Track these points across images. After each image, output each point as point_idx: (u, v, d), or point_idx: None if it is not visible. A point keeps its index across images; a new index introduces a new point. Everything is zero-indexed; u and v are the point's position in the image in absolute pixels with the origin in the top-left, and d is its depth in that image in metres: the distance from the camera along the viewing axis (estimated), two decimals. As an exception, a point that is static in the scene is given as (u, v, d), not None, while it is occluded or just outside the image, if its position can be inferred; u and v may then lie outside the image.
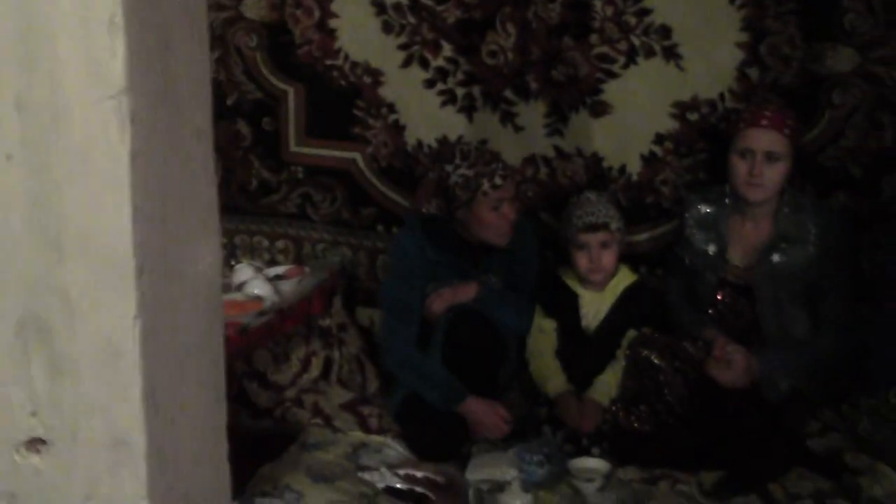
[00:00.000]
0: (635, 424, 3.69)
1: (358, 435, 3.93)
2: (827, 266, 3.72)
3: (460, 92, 4.26)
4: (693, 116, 4.04)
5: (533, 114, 4.21)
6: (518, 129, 4.24)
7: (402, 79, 4.33)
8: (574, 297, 3.93)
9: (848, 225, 3.83)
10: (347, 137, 4.47)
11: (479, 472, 3.52)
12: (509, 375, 4.08)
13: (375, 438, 3.90)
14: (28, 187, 1.24)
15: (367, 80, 4.38)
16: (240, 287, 3.98)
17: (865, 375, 3.65)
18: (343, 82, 4.42)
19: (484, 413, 3.74)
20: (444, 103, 4.30)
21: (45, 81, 1.22)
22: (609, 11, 4.02)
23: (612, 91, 4.09)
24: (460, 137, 4.24)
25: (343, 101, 4.43)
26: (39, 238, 1.24)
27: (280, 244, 4.72)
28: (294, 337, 4.25)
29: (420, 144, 4.39)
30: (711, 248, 3.85)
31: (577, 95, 4.14)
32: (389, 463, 3.65)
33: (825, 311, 3.76)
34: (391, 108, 4.38)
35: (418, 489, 3.41)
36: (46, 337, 1.27)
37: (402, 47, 4.32)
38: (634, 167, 4.15)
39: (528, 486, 3.34)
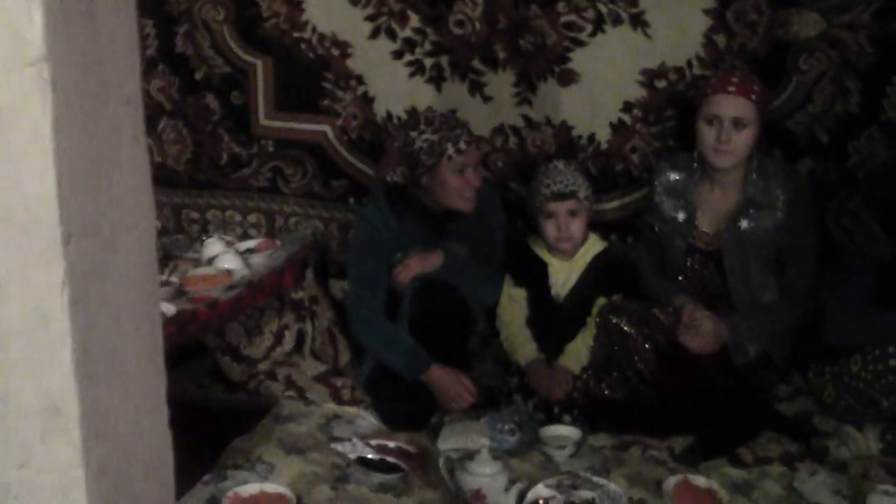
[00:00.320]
0: (606, 392, 3.68)
1: (331, 407, 3.92)
2: (794, 232, 3.71)
3: (428, 62, 4.25)
4: (661, 84, 4.04)
5: (501, 83, 4.20)
6: (487, 99, 4.24)
7: (369, 50, 4.32)
8: (543, 266, 3.89)
9: (815, 190, 3.84)
10: (317, 110, 4.46)
11: (450, 441, 3.52)
12: (478, 345, 4.09)
13: (348, 410, 3.89)
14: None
15: (335, 52, 4.37)
16: (210, 261, 3.97)
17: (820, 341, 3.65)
18: (311, 55, 4.40)
19: (448, 382, 3.70)
20: (412, 74, 4.29)
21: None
22: (576, -21, 4.02)
23: (579, 59, 4.08)
24: (429, 108, 4.15)
25: (311, 73, 4.42)
26: (-36, 206, 1.24)
27: (252, 218, 4.71)
28: (267, 310, 4.22)
29: (389, 116, 4.37)
30: (680, 215, 3.85)
31: (545, 64, 4.13)
32: (362, 434, 3.63)
33: (792, 276, 3.77)
34: (360, 80, 4.37)
35: (390, 459, 3.40)
36: (-25, 304, 1.27)
37: (370, 18, 4.30)
38: (603, 135, 4.15)
39: (499, 454, 3.34)
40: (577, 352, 3.77)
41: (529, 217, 3.98)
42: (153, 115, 4.68)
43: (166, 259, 4.13)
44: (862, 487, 3.19)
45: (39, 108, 1.16)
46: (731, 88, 3.59)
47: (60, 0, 1.13)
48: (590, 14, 4.03)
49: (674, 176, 3.86)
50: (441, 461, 3.30)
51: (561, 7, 4.05)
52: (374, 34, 4.29)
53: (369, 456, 3.41)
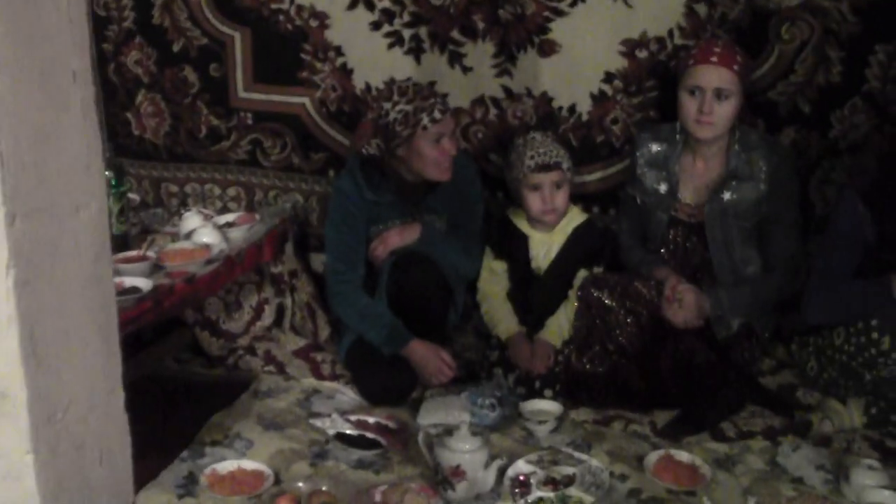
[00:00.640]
0: (587, 366, 3.68)
1: (310, 382, 3.91)
2: (777, 203, 3.68)
3: (407, 33, 4.20)
4: (642, 54, 4.00)
5: (481, 54, 4.14)
6: (466, 70, 4.19)
7: (348, 21, 4.26)
8: (524, 238, 3.87)
9: (798, 161, 3.81)
10: (295, 82, 4.41)
11: (431, 416, 3.53)
12: (458, 318, 4.07)
13: (328, 385, 3.88)
14: None
15: (314, 23, 4.31)
16: (188, 235, 3.91)
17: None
18: (289, 26, 4.35)
19: (427, 357, 3.69)
20: (391, 45, 4.23)
21: None
22: (555, -53, 3.96)
23: (559, 29, 4.03)
24: (408, 79, 4.14)
25: (290, 45, 4.37)
26: None
27: (231, 191, 4.68)
28: (246, 285, 4.20)
29: (368, 87, 4.32)
30: (662, 187, 3.81)
31: (524, 35, 4.08)
32: (342, 409, 3.62)
33: (774, 248, 3.74)
34: (338, 51, 4.32)
35: (369, 435, 3.38)
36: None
37: (348, -12, 4.26)
38: (584, 106, 4.11)
39: (480, 429, 3.31)
40: (559, 325, 3.75)
41: (509, 189, 3.94)
42: (131, 89, 4.65)
43: (144, 233, 4.09)
44: (845, 461, 3.18)
45: (-23, 84, 1.12)
46: (714, 59, 3.55)
47: (3, -26, 1.09)
48: (570, -17, 3.99)
49: (656, 147, 3.82)
50: (420, 437, 3.26)
51: (540, -24, 4.00)
52: (353, 5, 4.23)
53: (348, 432, 3.40)
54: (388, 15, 4.21)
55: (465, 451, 3.07)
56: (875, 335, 3.31)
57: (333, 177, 4.39)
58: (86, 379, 1.29)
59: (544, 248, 3.88)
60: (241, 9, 4.39)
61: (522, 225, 3.91)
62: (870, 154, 3.49)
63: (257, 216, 4.21)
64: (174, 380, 3.97)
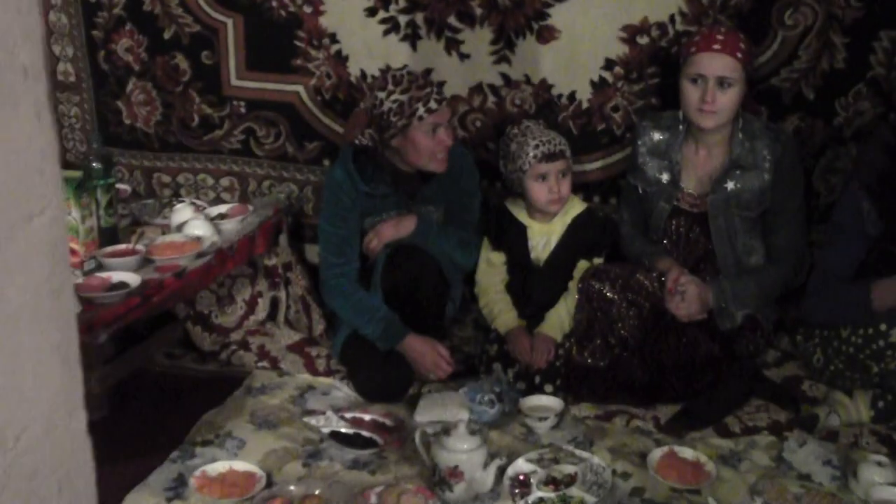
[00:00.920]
0: (588, 360, 3.61)
1: (305, 377, 3.84)
2: (781, 192, 3.62)
3: (403, 20, 4.12)
4: (643, 40, 3.93)
5: (479, 41, 4.07)
6: (464, 56, 4.11)
7: (342, 7, 4.19)
8: (522, 229, 3.81)
9: (802, 149, 3.76)
10: (289, 70, 4.33)
11: (428, 413, 3.46)
12: (456, 311, 4.01)
13: (322, 381, 3.81)
14: None
15: (307, 9, 4.22)
16: (179, 227, 3.86)
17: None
18: (283, 12, 4.26)
19: (424, 352, 3.62)
20: (386, 32, 4.15)
21: None
22: (554, -69, 3.89)
23: (559, 15, 3.96)
24: (404, 67, 4.05)
25: (283, 32, 4.28)
26: None
27: (225, 181, 4.60)
28: (239, 278, 4.15)
29: (364, 75, 4.24)
30: (665, 176, 3.74)
31: (523, 21, 4.00)
32: (337, 406, 3.56)
33: (779, 238, 3.69)
34: (333, 38, 4.24)
35: (365, 433, 3.32)
36: None
37: (342, -26, 4.17)
38: (584, 94, 4.05)
39: (479, 427, 3.25)
40: (559, 318, 3.70)
41: (506, 181, 3.87)
42: (121, 76, 4.57)
43: (134, 225, 4.04)
44: (853, 457, 3.14)
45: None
46: (716, 46, 3.48)
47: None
48: (569, -33, 3.91)
49: (657, 136, 3.75)
50: (417, 436, 3.19)
51: (539, -40, 3.93)
52: None
53: (343, 430, 3.34)
54: (384, 1, 4.11)
55: (463, 451, 3.00)
56: (883, 327, 3.26)
57: (328, 166, 4.31)
58: (42, 402, 1.20)
59: (543, 238, 3.82)
60: None
61: (521, 215, 3.84)
62: (875, 145, 3.39)
63: (250, 207, 4.16)
64: (165, 376, 3.90)
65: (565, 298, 3.72)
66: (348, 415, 3.45)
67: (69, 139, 4.72)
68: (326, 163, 4.38)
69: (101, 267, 3.52)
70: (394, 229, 3.73)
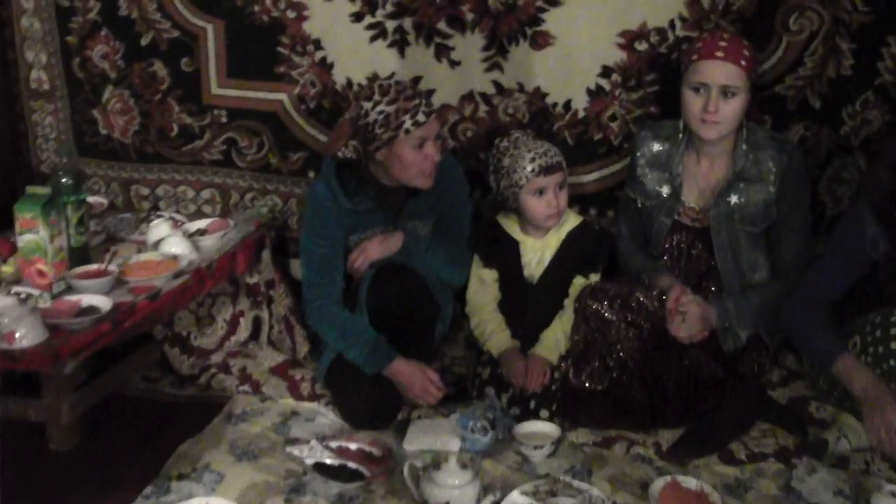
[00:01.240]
0: (586, 383, 3.47)
1: (288, 402, 3.69)
2: (787, 206, 3.49)
3: (390, 25, 4.02)
4: (642, 46, 3.82)
5: (470, 47, 3.97)
6: (454, 63, 4.01)
7: (327, 12, 4.09)
8: (515, 245, 3.69)
9: (807, 159, 3.63)
10: (272, 77, 4.23)
11: (418, 441, 3.34)
12: (447, 330, 3.89)
13: (307, 406, 3.66)
14: None
15: (291, 14, 4.13)
16: (156, 245, 3.72)
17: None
18: (265, 17, 4.16)
19: (412, 377, 3.49)
20: (373, 38, 4.05)
21: None
22: (549, -68, 3.77)
23: (554, 20, 3.86)
24: (392, 74, 3.98)
25: (266, 37, 4.19)
26: None
27: (206, 194, 4.47)
28: (219, 297, 3.99)
29: (350, 83, 4.13)
30: (665, 189, 3.61)
31: (516, 26, 3.89)
32: (321, 434, 3.42)
33: (784, 253, 3.56)
34: (317, 44, 4.14)
35: (351, 464, 3.16)
36: None
37: (327, -23, 4.06)
38: (580, 102, 3.95)
39: (471, 458, 3.12)
40: (555, 339, 3.58)
41: (497, 197, 3.73)
42: (97, 84, 4.45)
43: (109, 242, 3.89)
44: (865, 485, 3.02)
45: None
46: (719, 54, 3.33)
47: None
48: (564, -30, 3.79)
49: (657, 146, 3.62)
50: (406, 469, 3.05)
51: (533, -38, 3.81)
52: None
53: (328, 461, 3.18)
54: (370, 5, 4.01)
55: (454, 487, 2.89)
56: (894, 345, 3.10)
57: (313, 178, 4.19)
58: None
59: (537, 254, 3.69)
60: None
61: (513, 230, 3.72)
62: (883, 163, 3.23)
63: (231, 222, 4.01)
64: (141, 401, 3.75)
65: (561, 317, 3.60)
66: (333, 444, 3.29)
67: (43, 150, 4.59)
68: (311, 174, 4.26)
69: (70, 289, 3.38)
70: (379, 247, 3.60)
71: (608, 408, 3.45)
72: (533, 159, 3.53)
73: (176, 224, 3.92)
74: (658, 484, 3.04)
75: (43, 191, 3.43)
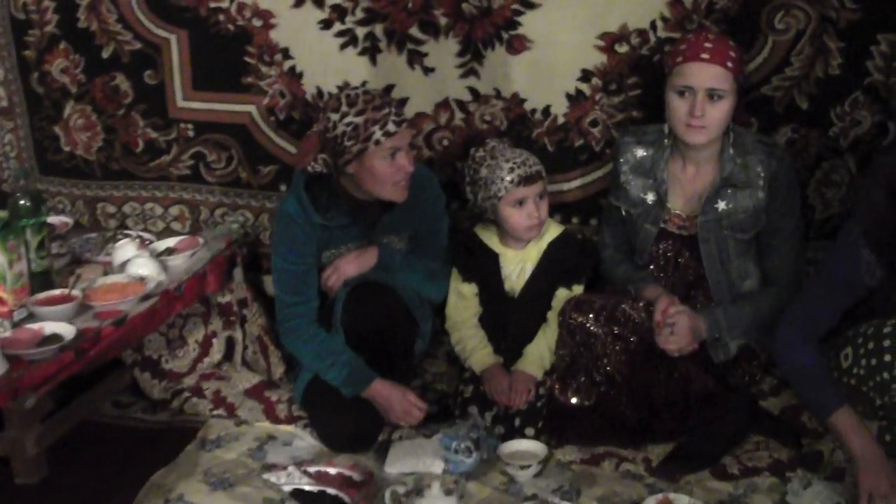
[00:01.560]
0: (573, 399, 3.40)
1: (264, 426, 3.60)
2: (776, 212, 3.41)
3: (361, 32, 3.95)
4: (622, 48, 3.74)
5: (444, 53, 3.90)
6: (428, 70, 3.94)
7: (295, 20, 4.01)
8: (494, 257, 3.61)
9: (796, 162, 3.57)
10: (240, 88, 4.17)
11: (400, 464, 3.27)
12: (426, 347, 3.81)
13: (283, 429, 3.57)
14: None
15: (257, 23, 4.06)
16: (122, 266, 3.63)
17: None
18: (230, 27, 4.10)
19: (392, 399, 3.41)
20: (343, 45, 3.98)
21: None
22: (523, -68, 3.72)
23: (531, 23, 3.79)
24: (364, 83, 3.91)
25: (232, 47, 4.12)
26: None
27: (174, 210, 4.42)
28: (191, 317, 3.90)
29: (321, 92, 4.06)
30: (650, 196, 3.53)
31: (492, 30, 3.82)
32: (299, 458, 3.35)
33: (774, 261, 3.48)
34: (285, 53, 4.07)
35: (330, 491, 3.10)
36: None
37: (294, -16, 4.00)
38: (560, 108, 3.88)
39: (455, 481, 3.12)
40: (539, 354, 3.52)
41: (474, 210, 3.66)
42: (58, 100, 4.39)
43: (73, 265, 3.79)
44: None
45: None
46: (705, 55, 3.25)
47: None
48: (541, -29, 3.75)
49: (641, 152, 3.53)
50: (388, 496, 3.01)
51: (508, -36, 3.76)
52: (299, 2, 3.98)
53: (307, 488, 3.14)
54: (340, 12, 3.94)
55: None
56: (888, 358, 3.00)
57: (285, 191, 4.07)
58: None
59: (518, 266, 3.61)
60: (177, 8, 4.15)
61: (492, 242, 3.64)
62: (876, 182, 3.11)
63: (201, 240, 3.93)
64: (112, 429, 3.64)
65: (544, 331, 3.54)
66: (312, 469, 3.23)
67: (3, 169, 4.53)
68: (283, 188, 4.19)
69: (32, 316, 3.28)
70: (354, 264, 3.52)
71: (596, 424, 3.38)
72: (511, 169, 3.45)
73: (143, 243, 3.84)
74: (649, 502, 3.01)
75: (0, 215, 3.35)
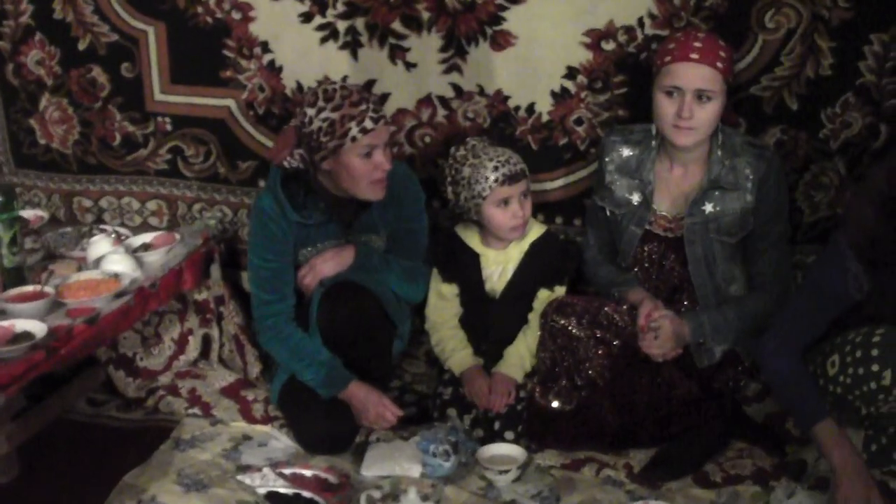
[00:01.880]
0: (554, 403, 3.37)
1: (240, 426, 3.56)
2: (764, 216, 3.37)
3: (342, 26, 3.87)
4: (609, 46, 3.68)
5: (426, 48, 3.84)
6: (410, 66, 3.88)
7: (274, 13, 3.95)
8: (475, 258, 3.58)
9: (785, 164, 3.52)
10: (218, 82, 4.11)
11: (377, 467, 3.24)
12: (405, 347, 3.77)
13: (259, 429, 3.53)
14: None
15: (236, 15, 3.99)
16: (97, 263, 3.58)
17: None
18: (209, 19, 4.03)
19: (367, 402, 3.36)
20: (324, 39, 3.91)
21: None
22: (509, -75, 3.68)
23: (515, 19, 3.72)
24: (345, 78, 3.83)
25: (210, 40, 4.05)
26: None
27: (152, 205, 4.37)
28: (167, 314, 3.86)
29: (300, 87, 4.00)
30: (635, 197, 3.49)
31: (475, 25, 3.75)
32: (275, 460, 3.32)
33: (761, 265, 3.44)
34: (265, 46, 4.01)
35: (305, 494, 3.05)
36: None
37: (274, -24, 3.95)
38: (544, 105, 3.81)
39: (432, 486, 3.10)
40: (519, 356, 3.50)
41: (456, 210, 3.62)
42: (33, 92, 4.33)
43: (47, 260, 3.74)
44: None
45: None
46: (694, 55, 3.20)
47: None
48: (526, -35, 3.72)
49: (627, 152, 3.49)
50: (363, 500, 2.98)
51: (492, -42, 3.72)
52: None
53: (281, 490, 3.08)
54: (320, 5, 3.87)
55: None
56: (875, 367, 2.96)
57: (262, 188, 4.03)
58: None
59: (499, 267, 3.59)
60: (155, 0, 4.08)
61: (473, 242, 3.61)
62: (866, 195, 3.04)
63: (177, 236, 3.88)
64: (86, 427, 3.60)
65: (525, 333, 3.52)
66: (287, 471, 3.19)
67: None
68: (262, 183, 4.13)
69: (3, 313, 3.24)
70: (330, 263, 3.47)
71: (577, 429, 3.35)
72: (496, 168, 3.41)
73: (119, 239, 3.79)
74: (630, 509, 3.02)
75: (-31, 210, 3.31)
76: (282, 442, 3.44)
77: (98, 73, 4.21)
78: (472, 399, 3.42)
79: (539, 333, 3.41)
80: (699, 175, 3.39)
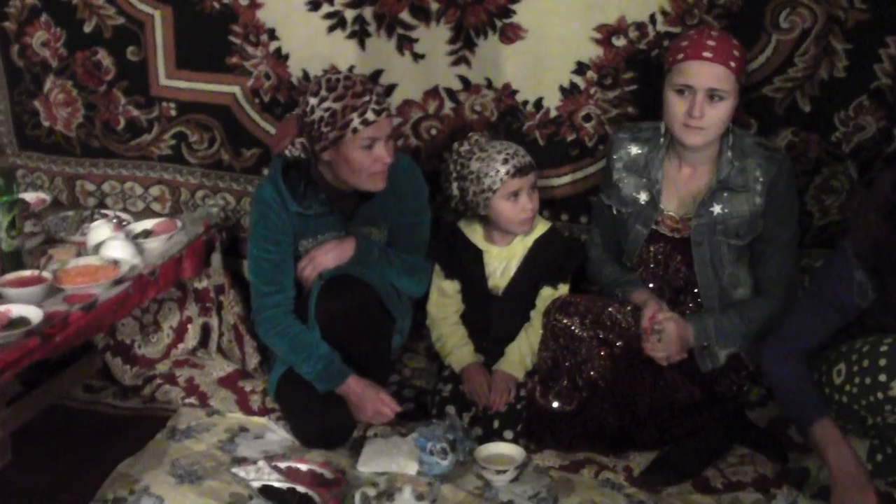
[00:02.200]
0: (554, 403, 3.33)
1: (237, 417, 3.54)
2: (774, 219, 3.33)
3: (350, 14, 3.86)
4: (619, 42, 3.66)
5: (435, 39, 3.82)
6: (418, 57, 3.86)
7: (282, 0, 3.93)
8: (478, 254, 3.57)
9: (796, 167, 3.47)
10: (224, 69, 4.08)
11: (373, 463, 3.20)
12: (404, 341, 3.75)
13: (256, 421, 3.51)
14: None
15: (243, 1, 3.97)
16: (96, 248, 3.55)
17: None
18: (216, 5, 4.01)
19: (364, 397, 3.33)
20: (331, 28, 3.89)
21: None
22: (520, -83, 3.65)
23: (525, 12, 3.70)
24: (351, 68, 3.83)
25: (217, 26, 4.03)
26: None
27: (154, 190, 4.34)
28: (166, 302, 3.83)
29: (306, 75, 3.97)
30: (643, 196, 3.45)
31: (485, 18, 3.74)
32: (270, 453, 3.30)
33: (769, 269, 3.40)
34: (272, 34, 3.99)
35: (300, 488, 3.01)
36: None
37: (282, -38, 3.93)
38: (552, 100, 3.79)
39: (429, 481, 3.08)
40: (520, 354, 3.48)
41: (460, 206, 3.58)
42: (38, 74, 4.31)
43: (47, 244, 3.71)
44: None
45: None
46: (707, 54, 3.15)
47: None
48: (537, -41, 3.69)
49: (635, 150, 3.45)
50: (357, 498, 2.94)
51: (503, -50, 3.70)
52: None
53: (276, 485, 3.05)
54: None
55: None
56: (883, 377, 2.91)
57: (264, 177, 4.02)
58: None
59: (502, 264, 3.57)
60: None
61: (476, 238, 3.59)
62: (872, 203, 3.02)
63: (179, 223, 3.85)
64: (81, 414, 3.58)
65: (527, 331, 3.51)
66: (282, 464, 3.17)
67: None
68: (266, 172, 4.07)
69: (0, 298, 3.20)
70: (329, 255, 3.43)
71: (577, 430, 3.32)
72: (506, 160, 3.39)
73: (120, 224, 3.77)
74: (629, 516, 3.00)
75: (-32, 193, 3.29)
76: (278, 434, 3.42)
77: (103, 55, 4.18)
78: (471, 397, 3.40)
79: (541, 332, 3.39)
80: (708, 175, 3.35)
